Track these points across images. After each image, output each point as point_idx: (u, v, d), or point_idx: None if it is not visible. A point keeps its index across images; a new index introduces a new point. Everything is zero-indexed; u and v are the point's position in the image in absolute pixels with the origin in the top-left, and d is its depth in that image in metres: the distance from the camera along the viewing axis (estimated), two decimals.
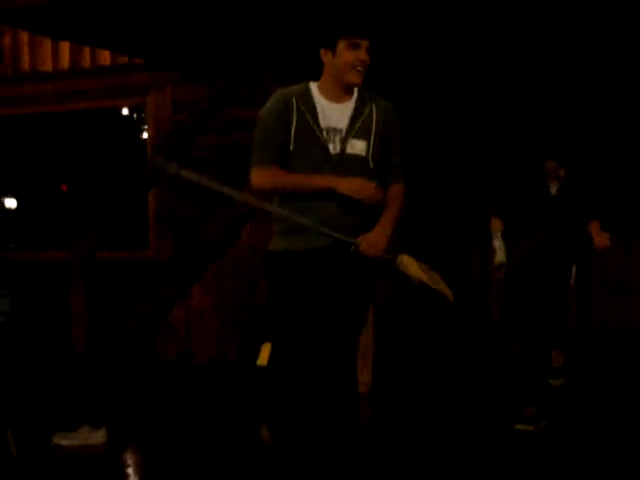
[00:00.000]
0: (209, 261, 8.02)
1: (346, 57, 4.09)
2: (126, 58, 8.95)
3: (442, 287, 4.24)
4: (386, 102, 4.29)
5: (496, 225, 6.20)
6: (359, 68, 4.11)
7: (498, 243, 6.16)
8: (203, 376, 7.79)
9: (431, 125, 8.68)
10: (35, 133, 10.05)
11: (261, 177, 4.14)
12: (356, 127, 4.16)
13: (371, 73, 4.19)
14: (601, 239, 5.91)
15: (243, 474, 4.98)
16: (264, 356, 7.09)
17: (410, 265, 4.18)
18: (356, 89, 4.21)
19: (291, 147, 4.11)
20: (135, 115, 9.75)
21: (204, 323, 8.04)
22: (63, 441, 5.70)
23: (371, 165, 4.19)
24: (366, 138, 4.17)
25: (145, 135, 9.54)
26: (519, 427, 5.90)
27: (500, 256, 6.13)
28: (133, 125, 9.78)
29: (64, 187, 10.12)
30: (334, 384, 4.27)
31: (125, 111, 9.72)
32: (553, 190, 6.05)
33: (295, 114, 4.11)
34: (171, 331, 8.16)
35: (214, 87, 8.27)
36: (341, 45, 4.09)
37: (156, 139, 9.13)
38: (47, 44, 9.47)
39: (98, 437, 5.78)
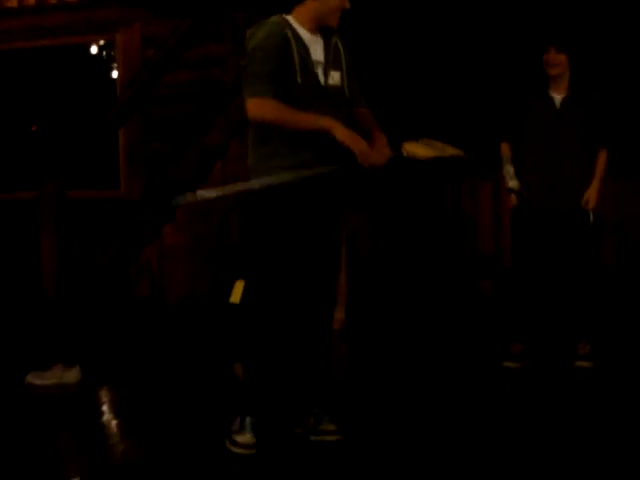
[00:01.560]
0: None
1: (335, 2, 4.14)
2: None
3: (452, 151, 4.33)
4: (339, 33, 4.32)
5: (505, 150, 6.04)
6: (339, 13, 4.18)
7: (508, 168, 6.00)
8: (176, 314, 7.79)
9: (424, 55, 8.56)
10: (1, 71, 9.88)
11: (262, 108, 4.05)
12: (332, 58, 4.21)
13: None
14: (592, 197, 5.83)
15: (216, 412, 5.01)
16: (237, 293, 7.09)
17: (416, 149, 4.24)
18: None
19: (298, 79, 4.08)
20: (104, 53, 9.61)
21: (176, 261, 8.02)
22: (36, 380, 5.70)
23: (347, 94, 4.26)
24: (339, 68, 4.23)
25: (115, 73, 9.42)
26: (507, 364, 5.94)
27: (511, 182, 5.97)
28: (102, 63, 9.64)
29: (33, 127, 9.99)
30: (311, 321, 4.31)
31: (94, 49, 9.57)
32: (557, 103, 5.89)
33: (294, 46, 4.10)
34: (144, 270, 8.13)
35: (183, 24, 8.15)
36: None
37: (126, 76, 9.01)
38: None
39: (71, 375, 5.78)
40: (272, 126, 4.08)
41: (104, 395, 5.75)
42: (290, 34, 4.11)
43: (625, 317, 7.49)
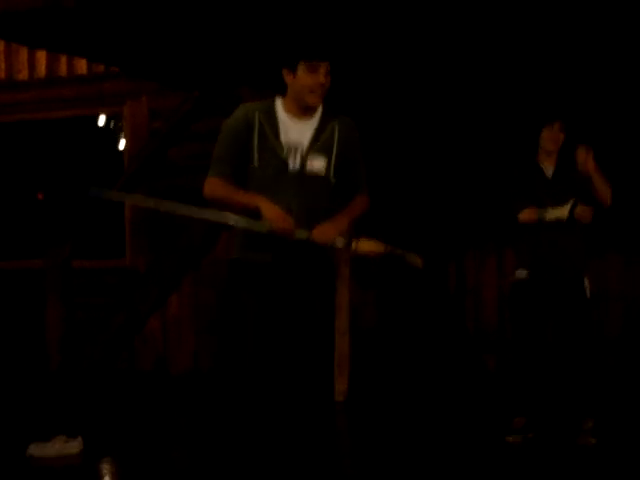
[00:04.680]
0: (186, 270, 8.02)
1: (305, 80, 4.16)
2: (103, 67, 8.94)
3: (408, 255, 4.30)
4: (348, 119, 4.37)
5: (531, 212, 5.88)
6: (317, 91, 4.18)
7: (555, 210, 5.80)
8: (179, 385, 7.78)
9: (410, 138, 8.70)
10: (11, 141, 10.01)
11: (208, 187, 4.26)
12: (317, 144, 4.24)
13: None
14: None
15: None
16: None
17: (367, 244, 4.23)
18: (320, 106, 4.28)
19: (254, 163, 4.19)
20: (112, 124, 9.74)
21: (180, 332, 8.04)
22: (38, 451, 5.68)
23: (332, 181, 4.28)
24: (327, 155, 4.25)
25: (122, 144, 9.54)
26: (509, 439, 5.91)
27: (562, 211, 5.77)
28: (110, 134, 9.77)
29: (40, 195, 10.08)
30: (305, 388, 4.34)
31: (102, 120, 9.71)
32: (549, 174, 5.92)
33: (256, 129, 4.19)
34: (148, 340, 8.15)
35: (190, 97, 8.29)
36: (300, 68, 4.16)
37: (133, 148, 9.14)
38: (23, 52, 9.45)
39: (74, 447, 5.76)
40: (221, 204, 4.26)
41: (106, 467, 5.72)
42: (259, 118, 4.19)
43: (630, 390, 7.46)
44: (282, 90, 4.32)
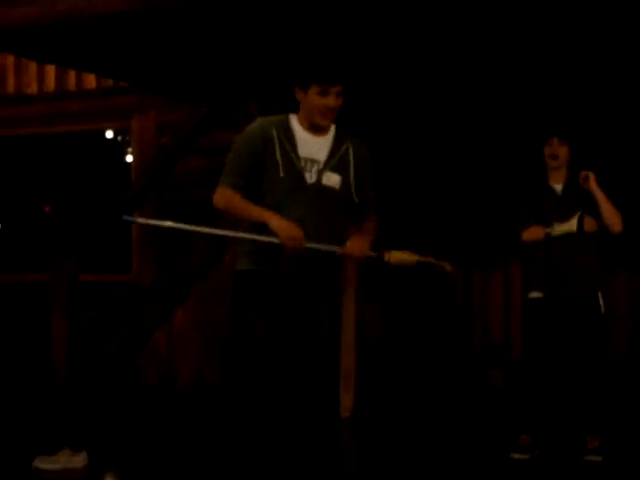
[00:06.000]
0: (192, 284, 8.01)
1: (315, 101, 4.21)
2: (111, 81, 8.97)
3: (439, 262, 4.40)
4: (360, 141, 4.42)
5: (536, 231, 5.89)
6: (327, 113, 4.23)
7: (561, 225, 5.81)
8: (185, 399, 7.76)
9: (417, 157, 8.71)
10: (19, 155, 10.05)
11: (219, 197, 4.29)
12: (334, 161, 4.29)
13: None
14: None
15: None
16: None
17: (399, 254, 4.29)
18: (333, 125, 4.32)
19: (281, 173, 4.21)
20: (119, 138, 9.77)
21: (186, 346, 8.02)
22: (43, 465, 5.67)
23: (356, 201, 4.35)
24: (341, 173, 4.30)
25: (129, 158, 9.56)
26: (515, 456, 5.88)
27: (569, 225, 5.78)
28: (117, 148, 9.79)
29: (47, 209, 10.11)
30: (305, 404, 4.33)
31: (109, 134, 9.74)
32: (558, 192, 5.93)
33: (277, 142, 4.23)
34: (153, 354, 8.13)
35: (198, 112, 8.31)
36: (312, 89, 4.20)
37: (140, 162, 9.16)
38: (32, 67, 9.50)
39: (78, 461, 5.75)
40: (229, 213, 4.30)
41: None
42: (276, 133, 4.23)
43: (636, 409, 7.44)
44: (291, 106, 4.36)
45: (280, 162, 4.21)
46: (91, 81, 9.27)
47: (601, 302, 5.90)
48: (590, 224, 5.79)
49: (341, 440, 6.84)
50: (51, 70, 9.42)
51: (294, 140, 4.25)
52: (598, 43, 6.01)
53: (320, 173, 4.25)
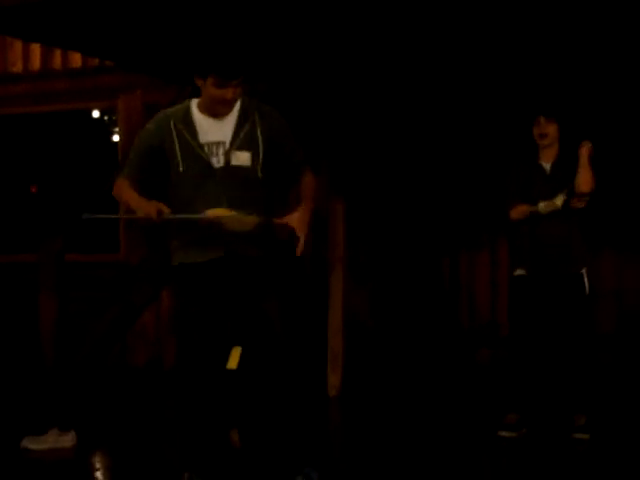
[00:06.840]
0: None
1: (212, 92, 4.21)
2: (97, 60, 8.91)
3: (280, 221, 4.29)
4: (269, 108, 4.40)
5: (522, 209, 5.88)
6: (226, 103, 4.23)
7: (546, 203, 5.81)
8: (173, 379, 7.77)
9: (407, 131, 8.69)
10: (5, 134, 9.99)
11: (115, 187, 4.43)
12: (239, 139, 4.27)
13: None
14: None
15: (212, 476, 4.98)
16: (234, 359, 7.08)
17: (220, 211, 4.21)
18: (238, 102, 4.30)
19: (180, 168, 4.25)
20: (106, 117, 9.72)
21: (173, 327, 8.02)
22: (32, 445, 5.68)
23: (259, 175, 4.31)
24: (251, 148, 4.28)
25: (116, 137, 9.52)
26: (503, 434, 5.91)
27: (557, 201, 5.78)
28: (104, 127, 9.75)
29: (33, 189, 10.06)
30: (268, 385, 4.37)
31: (96, 113, 9.69)
32: (547, 170, 5.93)
33: (175, 136, 4.26)
34: (141, 335, 8.13)
35: (185, 91, 8.26)
36: (209, 80, 4.19)
37: (127, 141, 9.11)
38: (18, 46, 9.42)
39: (67, 440, 5.76)
40: (122, 202, 4.47)
41: (99, 460, 5.72)
42: (174, 125, 4.26)
43: (623, 386, 7.48)
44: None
45: (179, 156, 4.24)
46: (77, 60, 9.20)
47: (586, 281, 5.92)
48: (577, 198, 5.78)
49: (329, 417, 6.87)
50: (36, 49, 9.35)
51: (194, 127, 4.27)
52: (582, 19, 6.01)
53: (227, 154, 4.25)
